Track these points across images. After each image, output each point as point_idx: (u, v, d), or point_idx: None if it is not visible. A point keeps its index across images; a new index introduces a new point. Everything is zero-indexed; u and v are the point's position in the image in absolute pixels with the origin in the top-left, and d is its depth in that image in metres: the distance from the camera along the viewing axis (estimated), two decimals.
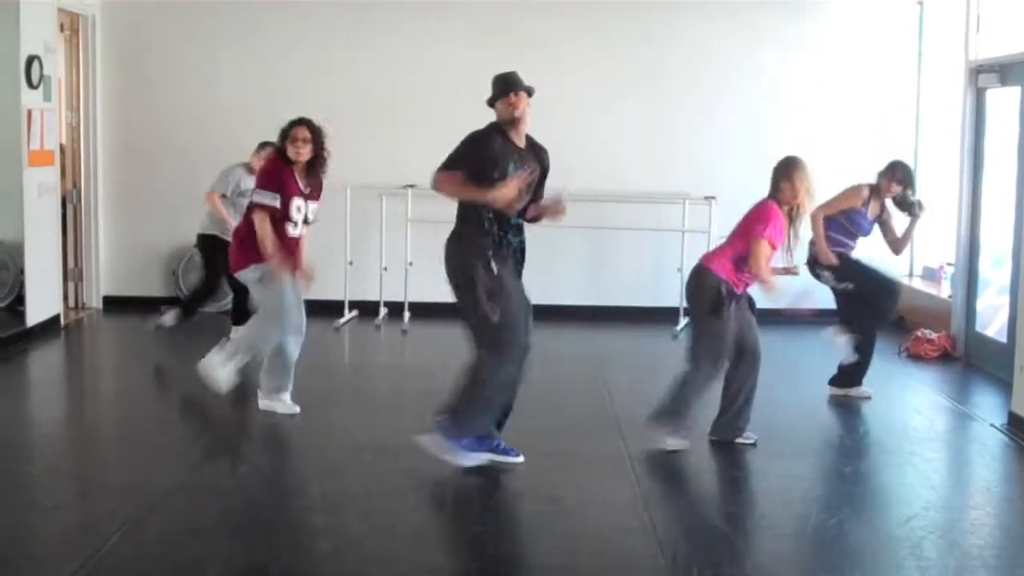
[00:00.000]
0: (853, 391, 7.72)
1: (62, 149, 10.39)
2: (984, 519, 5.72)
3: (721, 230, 10.05)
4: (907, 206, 7.80)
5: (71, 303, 10.72)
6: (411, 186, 10.29)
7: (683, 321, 10.37)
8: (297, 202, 6.85)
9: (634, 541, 5.16)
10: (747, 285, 6.51)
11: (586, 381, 8.25)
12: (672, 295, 10.43)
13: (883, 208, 7.84)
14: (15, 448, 6.51)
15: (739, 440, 6.57)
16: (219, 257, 8.38)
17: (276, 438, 6.87)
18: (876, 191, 7.77)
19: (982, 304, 9.15)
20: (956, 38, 9.71)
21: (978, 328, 9.13)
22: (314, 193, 6.97)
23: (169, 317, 8.94)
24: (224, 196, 8.67)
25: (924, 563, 4.96)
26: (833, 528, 5.35)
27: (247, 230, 6.86)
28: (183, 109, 10.79)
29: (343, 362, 9.23)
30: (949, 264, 9.82)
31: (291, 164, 6.86)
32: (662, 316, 10.46)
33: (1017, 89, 8.43)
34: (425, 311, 10.27)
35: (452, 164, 5.92)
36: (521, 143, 6.03)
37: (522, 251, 6.12)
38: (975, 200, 9.30)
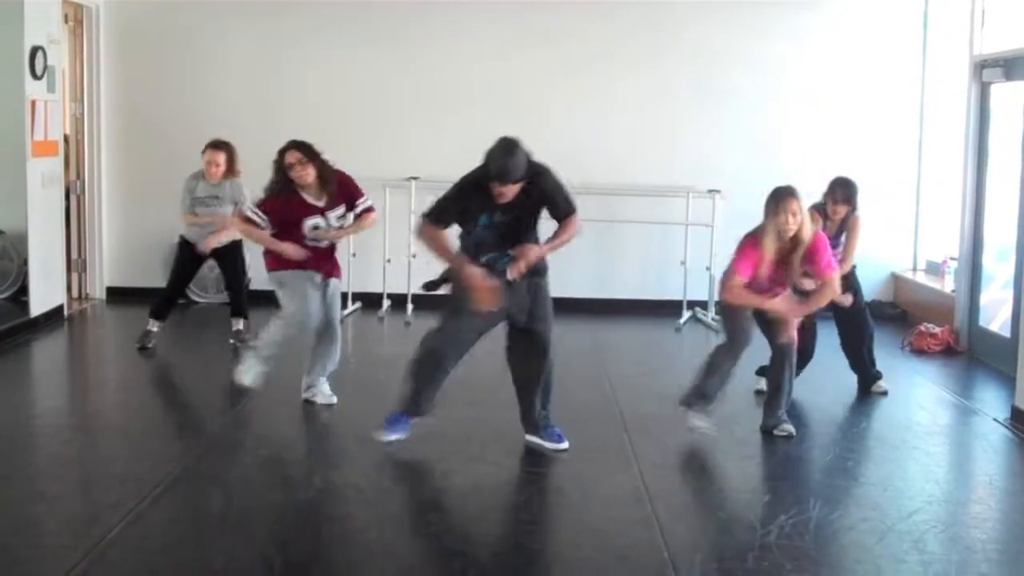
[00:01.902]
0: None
1: (66, 140, 10.39)
2: (987, 513, 5.72)
3: (725, 224, 10.10)
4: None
5: (74, 294, 10.73)
6: (414, 178, 10.29)
7: (686, 315, 10.37)
8: (312, 221, 6.92)
9: (638, 534, 5.17)
10: (775, 293, 6.57)
11: (590, 374, 8.24)
12: (676, 288, 10.44)
13: (841, 229, 7.58)
14: (19, 438, 6.52)
15: (775, 431, 6.63)
16: (181, 264, 8.80)
17: (279, 428, 6.87)
18: (822, 212, 7.47)
19: (985, 299, 9.14)
20: (960, 32, 9.70)
21: (981, 323, 9.13)
22: (334, 202, 6.98)
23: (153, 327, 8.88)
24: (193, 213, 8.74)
25: (927, 557, 4.96)
26: (836, 522, 5.35)
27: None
28: (187, 100, 10.79)
29: (346, 354, 9.21)
30: (952, 258, 9.82)
31: (297, 187, 6.91)
32: (666, 309, 10.47)
33: (1022, 84, 8.42)
34: (428, 303, 10.21)
35: (437, 216, 6.01)
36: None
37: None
38: (979, 194, 9.30)
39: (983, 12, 9.34)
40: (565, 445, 6.27)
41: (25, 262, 9.51)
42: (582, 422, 6.89)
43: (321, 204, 6.94)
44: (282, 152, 6.88)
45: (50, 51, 9.48)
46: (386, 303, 10.53)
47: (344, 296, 10.24)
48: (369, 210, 7.15)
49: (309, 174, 6.85)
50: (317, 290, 6.97)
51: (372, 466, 6.04)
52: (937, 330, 9.30)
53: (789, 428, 6.63)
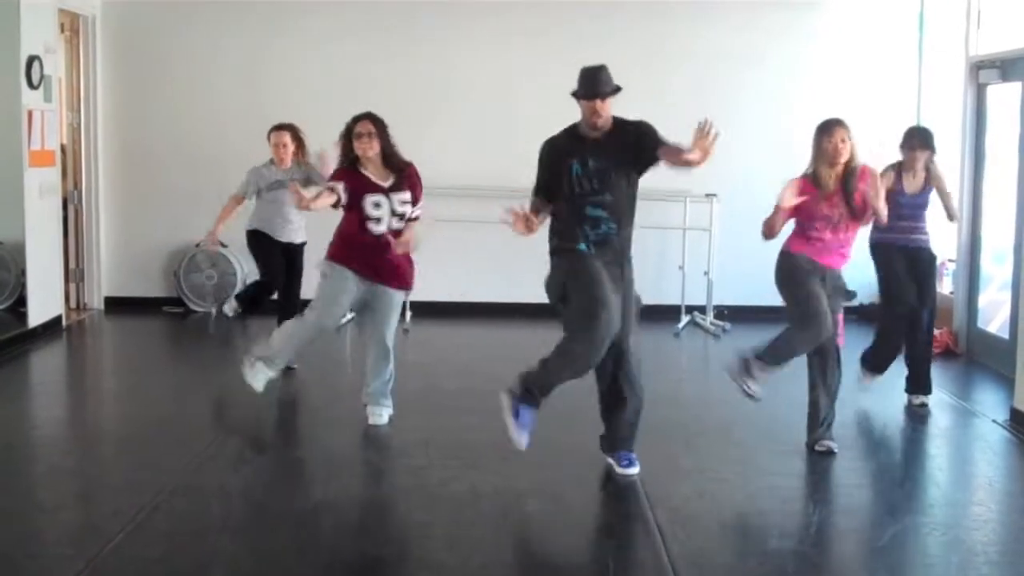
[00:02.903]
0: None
1: (63, 150, 10.40)
2: (987, 515, 5.72)
3: (722, 228, 10.10)
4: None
5: (72, 304, 10.72)
6: None
7: (685, 319, 10.37)
8: (374, 198, 6.60)
9: (637, 539, 5.17)
10: (830, 256, 6.41)
11: (588, 379, 8.22)
12: (674, 293, 10.42)
13: (927, 179, 7.56)
14: (18, 448, 6.52)
15: (816, 447, 6.41)
16: (266, 253, 8.32)
17: (278, 437, 6.87)
18: (903, 167, 7.54)
19: (984, 300, 9.15)
20: (957, 33, 9.71)
21: (980, 324, 9.13)
22: (399, 185, 6.68)
23: (230, 307, 8.70)
24: (253, 197, 8.33)
25: (928, 559, 4.96)
26: (836, 525, 5.36)
27: (340, 227, 6.80)
28: (184, 109, 10.79)
29: (344, 361, 9.22)
30: (951, 260, 9.82)
31: (358, 163, 6.66)
32: (664, 314, 10.45)
33: (1018, 85, 8.43)
34: (427, 311, 10.28)
35: (535, 187, 6.01)
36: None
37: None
38: (976, 196, 9.30)
39: (979, 13, 9.36)
40: (633, 471, 6.01)
41: (23, 272, 9.49)
42: (581, 427, 6.87)
43: (385, 184, 6.65)
44: (354, 120, 6.70)
45: (46, 60, 9.48)
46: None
47: None
48: (416, 219, 6.82)
49: (373, 147, 6.61)
50: (350, 295, 6.68)
51: (370, 475, 6.04)
52: (936, 332, 9.28)
53: (829, 443, 6.40)
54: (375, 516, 5.57)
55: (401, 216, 6.68)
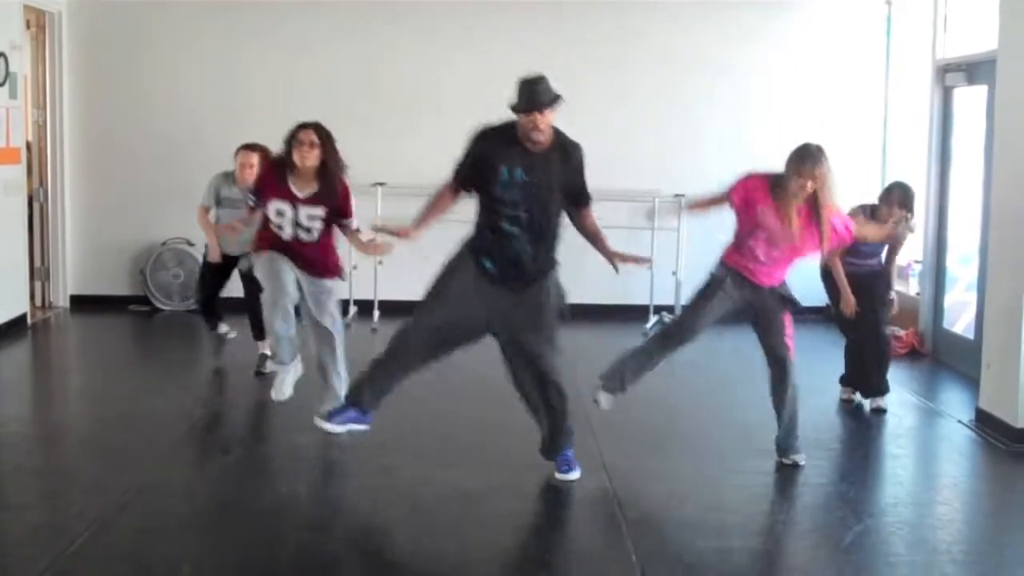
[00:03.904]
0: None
1: (28, 147, 10.31)
2: (952, 514, 5.76)
3: (691, 228, 10.13)
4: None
5: (38, 302, 10.64)
6: (380, 184, 10.26)
7: (653, 319, 10.39)
8: (277, 205, 6.46)
9: (606, 538, 5.17)
10: (758, 275, 6.19)
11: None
12: (642, 293, 10.45)
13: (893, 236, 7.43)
14: None
15: (782, 459, 6.29)
16: (209, 271, 8.25)
17: (245, 436, 6.85)
18: (875, 213, 7.37)
19: (950, 301, 9.21)
20: (923, 37, 9.78)
21: (946, 325, 9.20)
22: (316, 200, 6.50)
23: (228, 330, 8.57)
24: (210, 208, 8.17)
25: (893, 558, 4.99)
26: (801, 524, 5.38)
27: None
28: (151, 107, 10.73)
29: (311, 359, 9.18)
30: (917, 261, 9.88)
31: (291, 168, 6.51)
32: (632, 314, 10.48)
33: (984, 88, 8.49)
34: (395, 310, 10.19)
35: (455, 171, 5.84)
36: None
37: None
38: (942, 198, 9.37)
39: (945, 17, 9.42)
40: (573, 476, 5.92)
41: None
42: None
43: (300, 195, 6.50)
44: (299, 127, 6.56)
45: (12, 57, 9.41)
46: (352, 310, 10.50)
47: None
48: (356, 231, 6.73)
49: (312, 157, 6.45)
50: (287, 265, 6.49)
51: (338, 473, 6.02)
52: (902, 333, 9.36)
53: (796, 457, 6.27)
54: (342, 514, 5.56)
55: (308, 229, 6.51)
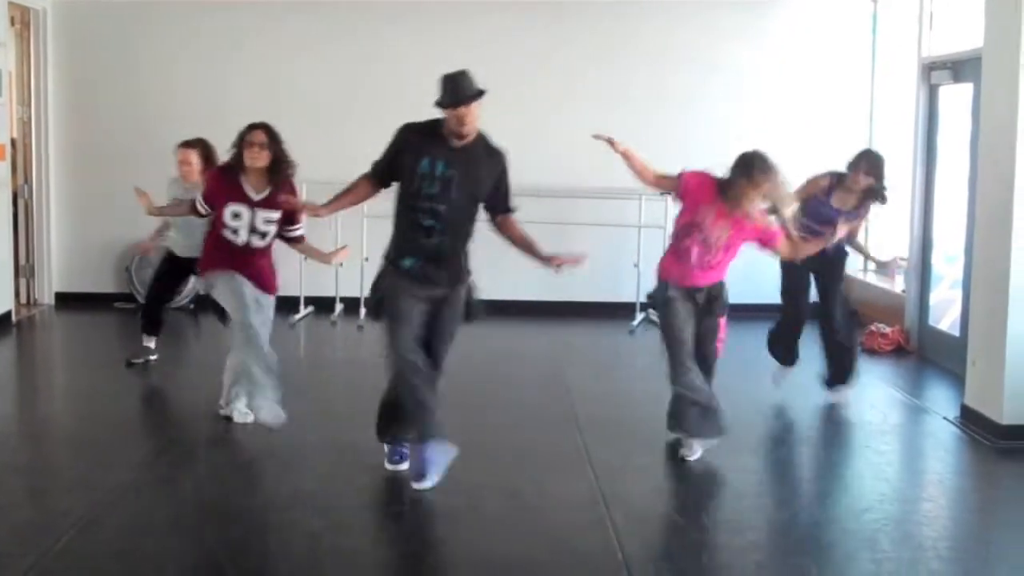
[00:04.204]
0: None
1: (13, 144, 10.28)
2: (937, 511, 5.78)
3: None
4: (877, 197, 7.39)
5: (23, 299, 10.61)
6: None
7: (640, 317, 10.40)
8: (234, 208, 6.43)
9: (592, 536, 5.17)
10: (693, 277, 6.24)
11: (544, 377, 8.25)
12: (629, 290, 10.45)
13: (859, 207, 7.39)
14: None
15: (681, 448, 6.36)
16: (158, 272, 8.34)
17: (231, 435, 6.82)
18: (842, 181, 7.36)
19: (935, 298, 9.24)
20: (909, 35, 9.80)
21: (931, 322, 9.22)
22: (269, 202, 6.45)
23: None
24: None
25: (879, 555, 5.00)
26: (788, 521, 5.39)
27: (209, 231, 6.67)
28: (135, 105, 10.70)
29: (299, 358, 9.17)
30: (903, 259, 9.91)
31: (241, 170, 6.46)
32: (619, 312, 10.49)
33: (969, 86, 8.51)
34: None
35: (375, 162, 5.84)
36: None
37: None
38: (928, 195, 9.39)
39: (931, 15, 9.44)
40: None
41: None
42: (537, 425, 6.90)
43: (256, 197, 6.45)
44: (248, 128, 6.51)
45: None
46: (339, 307, 10.49)
47: (296, 300, 10.23)
48: (301, 238, 6.72)
49: (262, 158, 6.41)
50: (243, 283, 6.44)
51: (327, 471, 6.00)
52: (888, 330, 9.38)
53: (689, 452, 6.30)
54: (330, 513, 5.54)
55: (263, 235, 6.49)
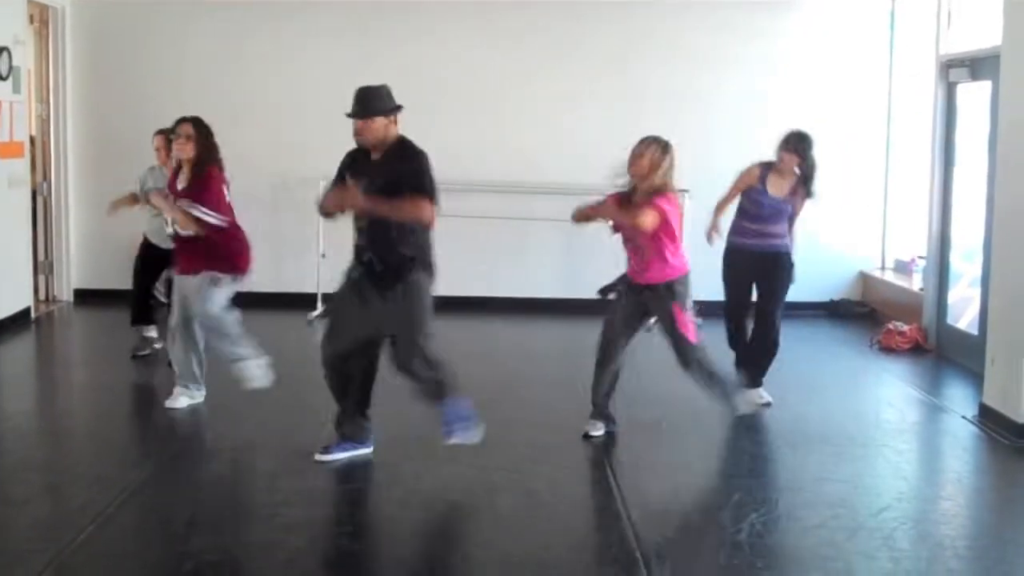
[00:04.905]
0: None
1: (32, 141, 10.32)
2: (955, 509, 5.76)
3: (695, 224, 10.12)
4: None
5: (42, 296, 10.64)
6: None
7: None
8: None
9: (609, 533, 5.17)
10: (641, 275, 6.47)
11: (560, 374, 8.24)
12: None
13: (795, 188, 7.36)
14: None
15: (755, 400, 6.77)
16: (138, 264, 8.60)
17: (249, 432, 6.84)
18: (773, 166, 7.37)
19: (953, 297, 9.20)
20: (927, 32, 9.76)
21: (949, 321, 9.18)
22: (188, 191, 6.81)
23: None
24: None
25: (897, 553, 4.98)
26: (806, 519, 5.37)
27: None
28: (154, 101, 10.70)
29: (315, 355, 9.17)
30: (920, 257, 9.88)
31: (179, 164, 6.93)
32: None
33: (988, 83, 8.47)
34: None
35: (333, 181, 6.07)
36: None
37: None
38: (946, 193, 9.35)
39: (949, 12, 9.40)
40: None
41: None
42: (553, 423, 6.89)
43: (180, 186, 6.91)
44: (178, 121, 7.00)
45: (15, 52, 9.41)
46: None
47: (314, 297, 10.24)
48: (200, 220, 6.78)
49: (186, 150, 6.85)
50: (181, 286, 6.96)
51: (341, 469, 6.01)
52: (905, 328, 9.35)
53: (753, 398, 6.80)
54: (347, 510, 5.56)
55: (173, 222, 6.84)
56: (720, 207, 7.56)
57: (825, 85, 10.78)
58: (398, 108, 5.95)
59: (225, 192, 6.91)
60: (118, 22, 10.72)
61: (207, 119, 10.09)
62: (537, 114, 10.63)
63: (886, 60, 10.85)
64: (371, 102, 5.88)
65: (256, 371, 6.93)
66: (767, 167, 7.40)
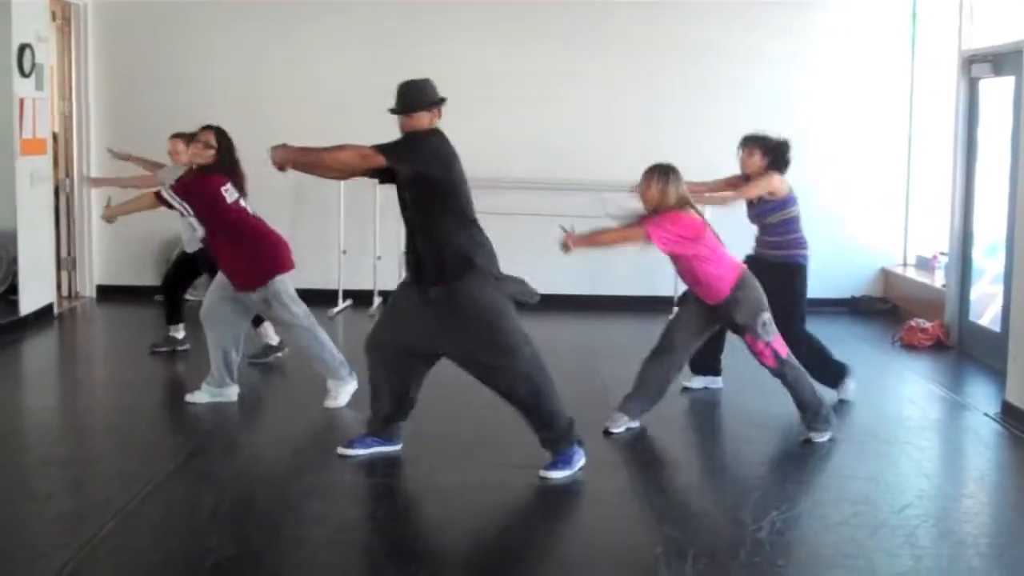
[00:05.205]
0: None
1: (55, 138, 10.37)
2: (977, 507, 5.74)
3: (714, 219, 10.10)
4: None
5: (64, 292, 10.70)
6: None
7: (677, 310, 10.35)
8: None
9: (629, 531, 5.17)
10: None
11: (580, 371, 8.24)
12: (667, 284, 10.41)
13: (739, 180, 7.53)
14: (9, 437, 6.51)
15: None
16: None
17: (271, 427, 6.87)
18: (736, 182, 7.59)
19: (976, 293, 9.16)
20: (949, 27, 9.72)
21: (972, 317, 9.15)
22: (180, 184, 7.03)
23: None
24: None
25: (918, 551, 4.97)
26: (827, 517, 5.36)
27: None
28: (175, 98, 10.76)
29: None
30: (942, 253, 9.84)
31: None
32: (657, 305, 10.44)
33: (1011, 79, 8.43)
34: None
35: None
36: None
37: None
38: (968, 189, 9.31)
39: (972, 7, 9.36)
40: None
41: (15, 261, 9.48)
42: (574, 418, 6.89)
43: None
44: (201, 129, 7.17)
45: (38, 49, 9.45)
46: (377, 300, 10.52)
47: (335, 293, 10.28)
48: (159, 196, 6.94)
49: (205, 156, 7.00)
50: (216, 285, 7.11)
51: (362, 464, 6.02)
52: (927, 325, 9.31)
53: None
54: (367, 505, 5.57)
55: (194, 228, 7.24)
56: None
57: (847, 81, 10.74)
58: (441, 100, 5.83)
59: (224, 195, 6.89)
60: (140, 19, 10.76)
61: (228, 116, 10.13)
62: (563, 112, 10.62)
63: (908, 55, 10.80)
64: (412, 96, 5.79)
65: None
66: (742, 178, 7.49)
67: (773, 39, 10.72)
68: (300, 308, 6.99)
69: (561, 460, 5.76)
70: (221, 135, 7.05)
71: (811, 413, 6.47)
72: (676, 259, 6.43)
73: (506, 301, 5.69)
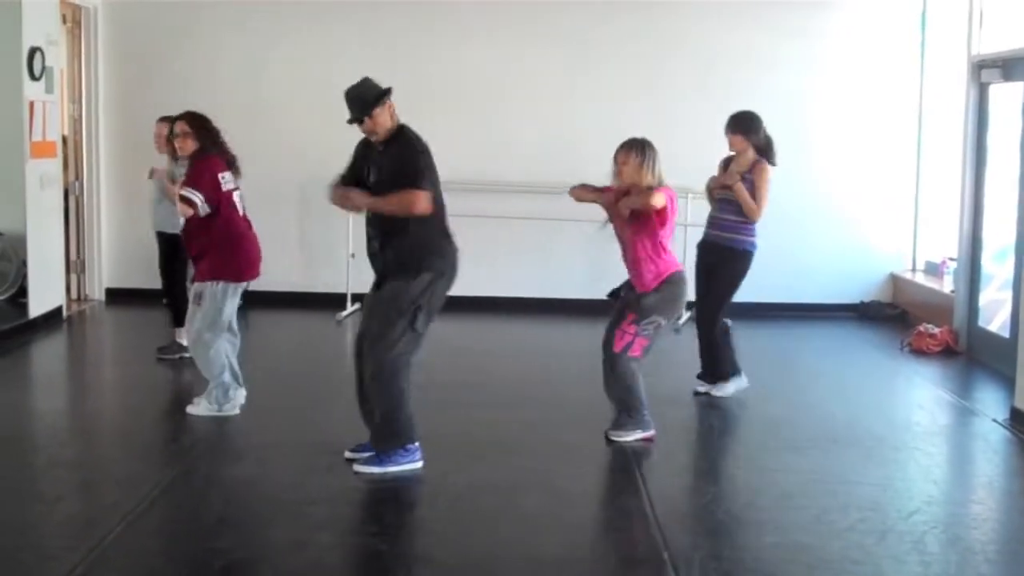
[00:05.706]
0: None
1: (64, 141, 10.39)
2: (986, 514, 5.73)
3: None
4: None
5: (73, 295, 10.72)
6: None
7: (685, 315, 10.35)
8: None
9: (636, 533, 5.17)
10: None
11: (586, 374, 8.21)
12: None
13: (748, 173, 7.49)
14: (18, 440, 6.52)
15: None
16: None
17: (277, 430, 6.87)
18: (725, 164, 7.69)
19: (985, 299, 9.14)
20: (959, 33, 9.71)
21: (981, 323, 9.13)
22: (187, 180, 6.96)
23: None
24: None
25: (927, 557, 4.96)
26: (836, 522, 5.35)
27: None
28: (184, 101, 10.66)
29: (344, 355, 9.20)
30: (951, 259, 9.82)
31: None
32: None
33: (1020, 84, 8.42)
34: None
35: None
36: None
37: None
38: (977, 195, 9.30)
39: (981, 12, 9.35)
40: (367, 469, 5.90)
41: (24, 263, 9.50)
42: (580, 422, 6.89)
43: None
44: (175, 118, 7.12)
45: (48, 52, 9.48)
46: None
47: (343, 297, 10.28)
48: (185, 200, 6.84)
49: (188, 146, 7.00)
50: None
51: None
52: (936, 330, 9.29)
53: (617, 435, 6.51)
54: (374, 509, 5.57)
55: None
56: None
57: (856, 86, 10.73)
58: (387, 91, 5.94)
59: (220, 180, 6.91)
60: (150, 22, 10.78)
61: (237, 117, 10.17)
62: (568, 114, 10.62)
63: (917, 60, 10.79)
64: (362, 99, 5.89)
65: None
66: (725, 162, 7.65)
67: (781, 43, 10.71)
68: (223, 318, 6.86)
69: (381, 457, 5.86)
70: (192, 118, 7.10)
71: (624, 411, 6.48)
72: (628, 232, 6.47)
73: (419, 305, 5.85)
